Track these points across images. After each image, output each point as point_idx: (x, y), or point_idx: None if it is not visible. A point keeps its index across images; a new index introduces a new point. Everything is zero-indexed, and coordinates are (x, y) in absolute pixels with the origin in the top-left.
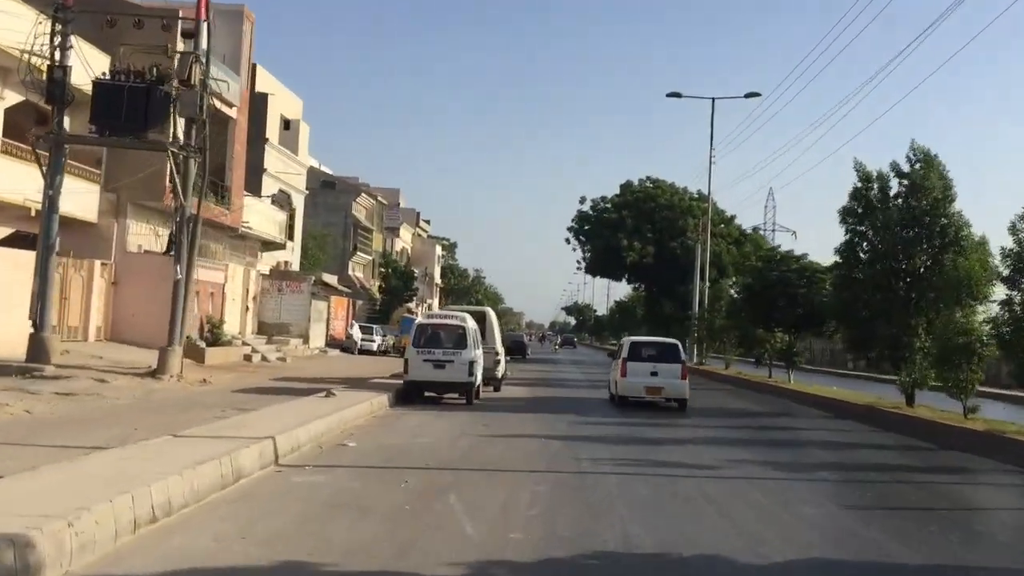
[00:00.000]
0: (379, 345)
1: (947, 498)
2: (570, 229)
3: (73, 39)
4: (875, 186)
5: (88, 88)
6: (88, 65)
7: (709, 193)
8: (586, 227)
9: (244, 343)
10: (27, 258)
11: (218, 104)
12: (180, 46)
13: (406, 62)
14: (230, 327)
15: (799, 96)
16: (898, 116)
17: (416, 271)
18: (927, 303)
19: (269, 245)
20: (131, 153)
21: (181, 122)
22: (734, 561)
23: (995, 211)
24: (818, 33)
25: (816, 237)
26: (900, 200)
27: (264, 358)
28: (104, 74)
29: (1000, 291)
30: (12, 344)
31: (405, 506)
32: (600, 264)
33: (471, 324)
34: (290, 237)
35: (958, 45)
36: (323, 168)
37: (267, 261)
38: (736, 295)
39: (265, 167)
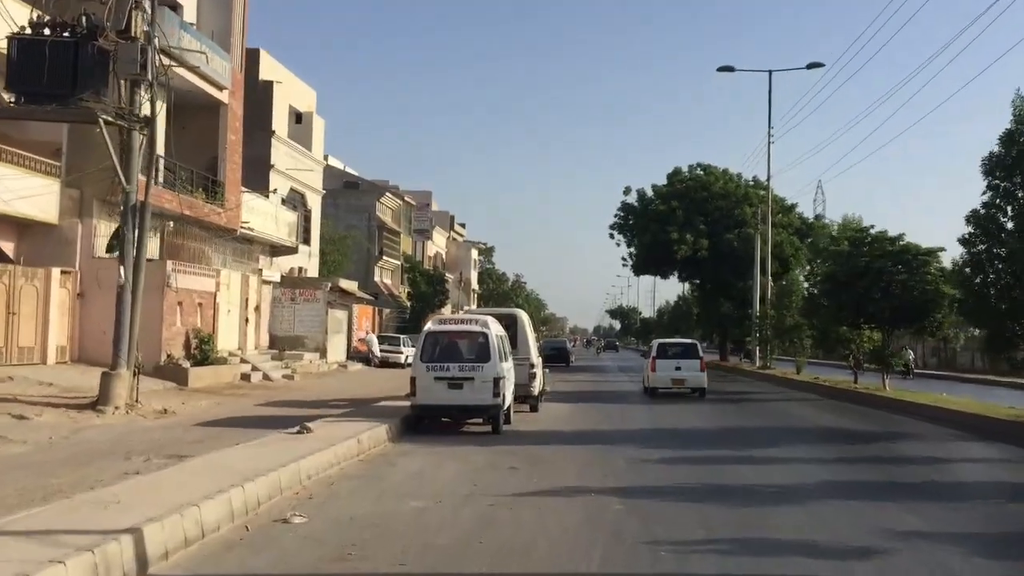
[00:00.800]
0: (407, 357)
1: None
2: (613, 225)
3: None
4: None
5: (3, 46)
6: (10, 18)
7: (768, 178)
8: (631, 220)
9: (243, 360)
10: None
11: (205, 86)
12: None
13: (436, 61)
14: (226, 342)
15: (861, 72)
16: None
17: (449, 276)
18: None
19: (279, 250)
20: (95, 139)
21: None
22: None
23: None
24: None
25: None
26: None
27: (266, 377)
28: (23, 28)
29: None
30: None
31: None
32: (648, 260)
33: (496, 330)
34: (306, 241)
35: None
36: (348, 170)
37: (281, 267)
38: (810, 289)
39: (272, 163)
